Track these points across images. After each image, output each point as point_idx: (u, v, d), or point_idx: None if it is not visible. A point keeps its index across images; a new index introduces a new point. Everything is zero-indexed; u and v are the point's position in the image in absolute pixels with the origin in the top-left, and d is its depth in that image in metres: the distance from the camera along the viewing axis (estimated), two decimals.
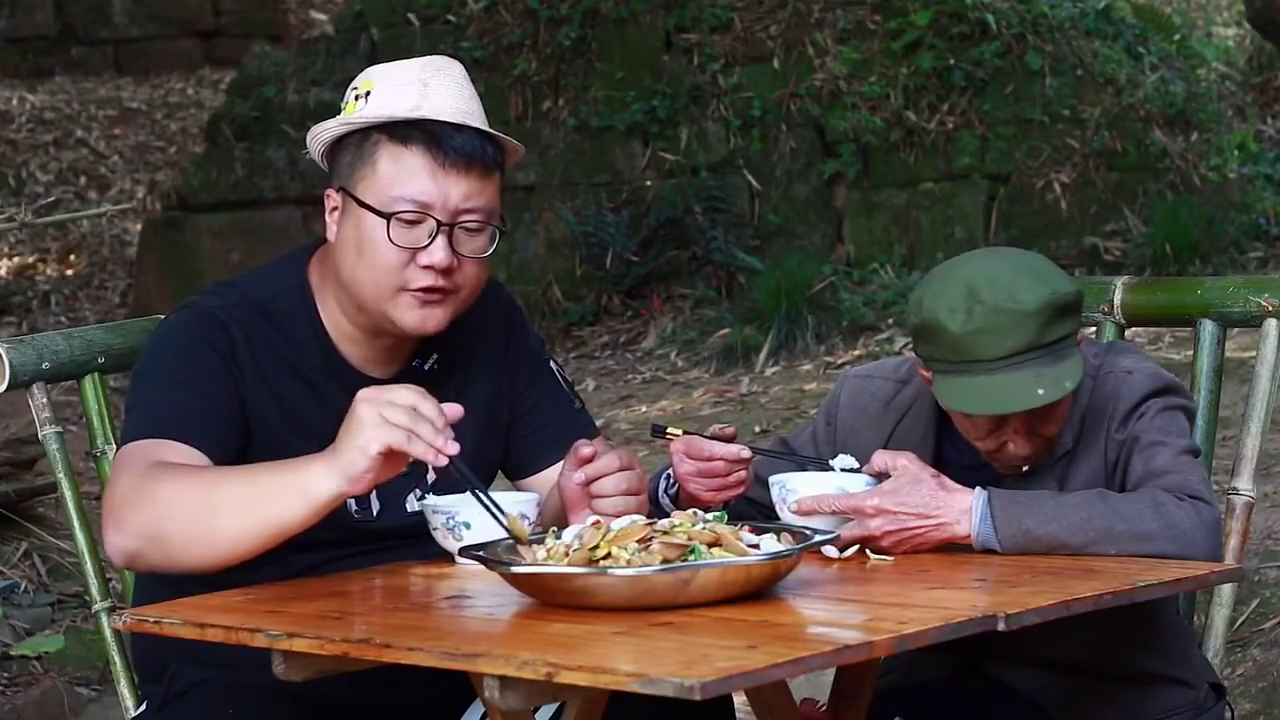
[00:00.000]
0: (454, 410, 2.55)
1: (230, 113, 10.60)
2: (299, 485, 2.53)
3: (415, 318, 2.82)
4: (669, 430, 2.92)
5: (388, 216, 2.79)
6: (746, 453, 2.86)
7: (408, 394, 2.51)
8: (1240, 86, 11.09)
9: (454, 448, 2.51)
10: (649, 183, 9.78)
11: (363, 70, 2.94)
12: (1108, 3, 10.02)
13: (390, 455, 2.50)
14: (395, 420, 2.48)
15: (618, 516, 2.71)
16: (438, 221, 2.79)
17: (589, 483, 2.77)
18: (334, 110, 3.01)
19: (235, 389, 2.80)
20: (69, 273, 11.42)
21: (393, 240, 2.79)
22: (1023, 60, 9.51)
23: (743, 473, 2.87)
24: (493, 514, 2.61)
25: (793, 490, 2.82)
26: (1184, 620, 3.08)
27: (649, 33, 9.98)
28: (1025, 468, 2.92)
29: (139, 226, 11.26)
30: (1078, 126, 9.45)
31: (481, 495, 2.62)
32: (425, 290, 2.80)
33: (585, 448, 2.80)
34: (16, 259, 11.51)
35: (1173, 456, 2.83)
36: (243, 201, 10.44)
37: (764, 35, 9.86)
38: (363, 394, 2.53)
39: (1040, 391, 2.79)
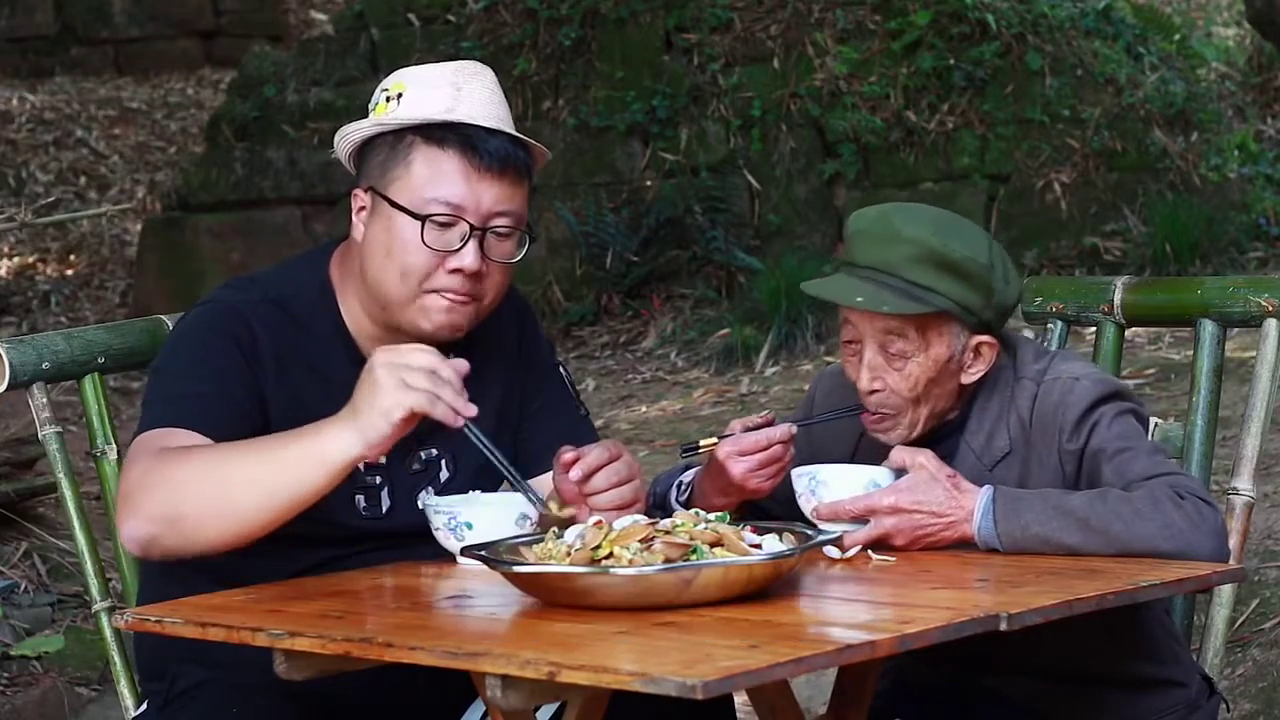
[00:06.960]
0: (462, 365, 2.55)
1: (230, 113, 10.59)
2: (315, 452, 2.53)
3: (435, 322, 2.82)
4: (702, 443, 2.91)
5: (422, 218, 2.79)
6: (794, 429, 2.88)
7: (424, 356, 2.51)
8: (1240, 86, 11.08)
9: (471, 409, 2.52)
10: (649, 183, 9.78)
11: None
12: (1108, 3, 10.02)
13: (409, 418, 2.50)
14: (416, 384, 2.48)
15: (616, 509, 2.72)
16: (470, 225, 2.80)
17: (586, 478, 2.77)
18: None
19: (255, 382, 2.79)
20: (69, 273, 11.42)
21: (425, 242, 2.79)
22: (1023, 60, 9.51)
23: (791, 448, 2.88)
24: (513, 480, 2.67)
25: (822, 483, 2.82)
26: (1169, 618, 3.07)
27: (649, 33, 9.98)
28: (896, 428, 2.90)
29: (139, 226, 11.26)
30: (1078, 126, 9.45)
31: (501, 462, 2.66)
32: (452, 293, 2.80)
33: (567, 453, 2.80)
34: (16, 259, 11.51)
35: (1148, 458, 2.81)
36: (243, 201, 10.44)
37: (764, 35, 9.86)
38: (378, 357, 2.51)
39: (859, 299, 2.82)
